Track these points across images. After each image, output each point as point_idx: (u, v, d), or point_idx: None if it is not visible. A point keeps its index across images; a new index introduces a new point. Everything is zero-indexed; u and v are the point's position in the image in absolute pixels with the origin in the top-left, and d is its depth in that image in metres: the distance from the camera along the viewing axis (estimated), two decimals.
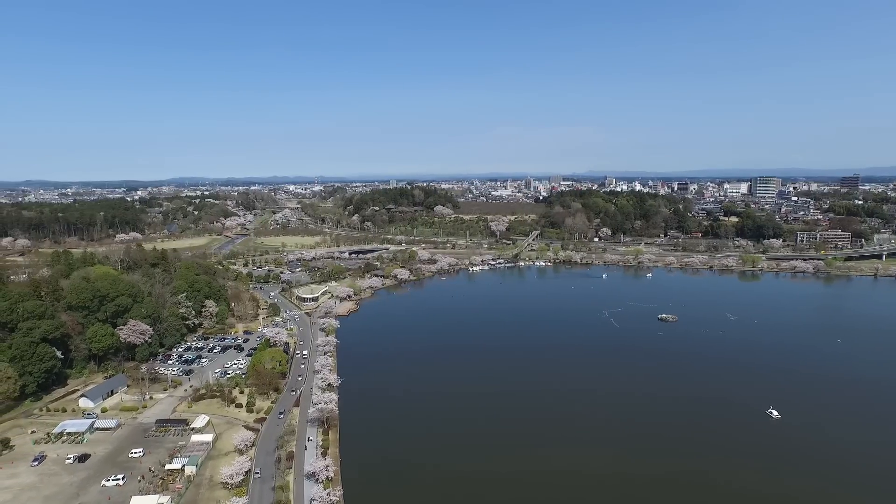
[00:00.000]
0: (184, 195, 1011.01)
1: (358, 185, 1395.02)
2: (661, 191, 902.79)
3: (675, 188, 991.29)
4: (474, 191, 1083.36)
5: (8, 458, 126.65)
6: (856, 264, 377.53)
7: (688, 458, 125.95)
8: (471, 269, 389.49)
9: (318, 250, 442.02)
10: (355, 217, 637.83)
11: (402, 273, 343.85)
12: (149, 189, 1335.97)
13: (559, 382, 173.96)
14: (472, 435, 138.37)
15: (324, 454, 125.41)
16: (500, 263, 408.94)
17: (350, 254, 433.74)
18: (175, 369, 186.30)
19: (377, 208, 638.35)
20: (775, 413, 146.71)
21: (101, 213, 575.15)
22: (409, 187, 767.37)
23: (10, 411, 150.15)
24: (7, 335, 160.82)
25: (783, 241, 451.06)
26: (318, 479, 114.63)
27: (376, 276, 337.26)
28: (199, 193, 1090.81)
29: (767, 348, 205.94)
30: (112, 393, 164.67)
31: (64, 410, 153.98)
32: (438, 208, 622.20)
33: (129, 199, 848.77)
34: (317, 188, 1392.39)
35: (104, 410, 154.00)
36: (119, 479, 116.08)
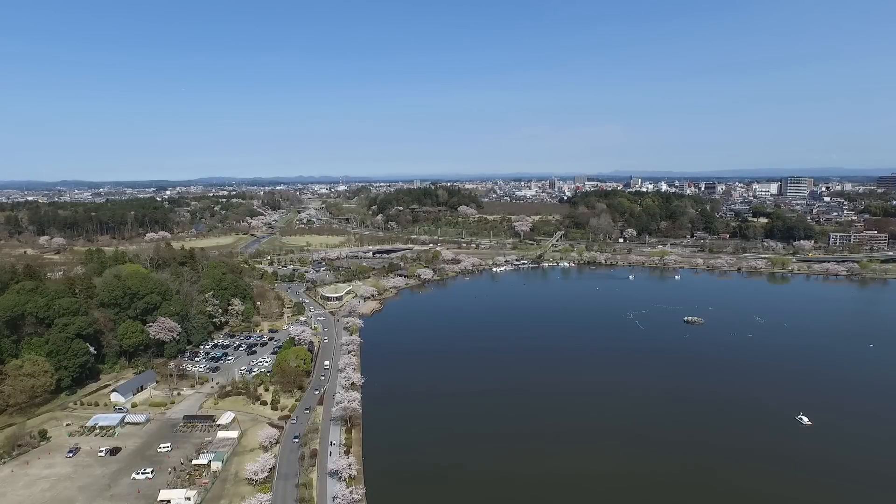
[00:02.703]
0: (211, 195, 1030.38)
1: (382, 184, 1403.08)
2: (688, 191, 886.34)
3: (703, 188, 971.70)
4: (498, 191, 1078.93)
5: (45, 449, 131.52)
6: (893, 267, 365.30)
7: (714, 464, 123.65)
8: (494, 269, 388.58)
9: (343, 250, 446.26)
10: (379, 217, 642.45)
11: (426, 273, 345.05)
12: (177, 189, 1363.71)
13: (582, 384, 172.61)
14: (494, 435, 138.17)
15: (347, 452, 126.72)
16: (524, 264, 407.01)
17: (374, 253, 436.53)
18: (202, 366, 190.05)
19: (401, 208, 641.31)
20: (806, 419, 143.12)
21: (132, 213, 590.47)
22: (433, 187, 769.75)
23: (47, 404, 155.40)
24: (44, 331, 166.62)
25: (815, 242, 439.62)
26: (340, 477, 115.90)
27: (400, 275, 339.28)
28: (225, 193, 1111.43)
29: (797, 353, 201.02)
30: (142, 388, 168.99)
31: (97, 404, 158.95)
32: (462, 208, 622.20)
33: (158, 198, 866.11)
34: (341, 188, 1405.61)
35: (134, 405, 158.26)
36: (148, 473, 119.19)
